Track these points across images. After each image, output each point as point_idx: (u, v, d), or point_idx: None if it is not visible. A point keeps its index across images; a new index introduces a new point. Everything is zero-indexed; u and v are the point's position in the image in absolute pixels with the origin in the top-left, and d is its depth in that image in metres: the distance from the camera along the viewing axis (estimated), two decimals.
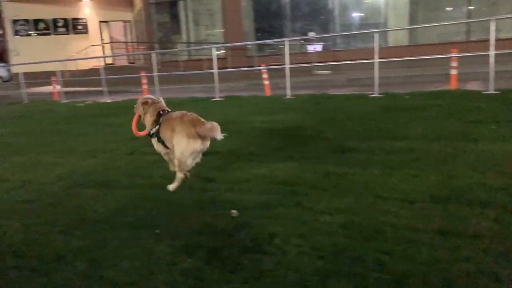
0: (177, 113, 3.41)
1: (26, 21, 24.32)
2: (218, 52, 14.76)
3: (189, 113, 3.36)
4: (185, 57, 18.14)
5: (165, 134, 3.41)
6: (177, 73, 14.40)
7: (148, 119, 3.59)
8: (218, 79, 9.95)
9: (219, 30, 18.35)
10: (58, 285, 2.23)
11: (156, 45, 19.39)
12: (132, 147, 5.20)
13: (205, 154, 3.56)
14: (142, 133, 3.75)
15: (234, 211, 2.94)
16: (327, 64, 12.77)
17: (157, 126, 3.46)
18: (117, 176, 4.06)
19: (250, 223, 2.76)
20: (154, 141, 3.59)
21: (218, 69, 10.08)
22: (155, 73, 10.60)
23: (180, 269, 2.30)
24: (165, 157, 3.69)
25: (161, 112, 3.52)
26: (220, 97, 9.71)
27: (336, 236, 2.50)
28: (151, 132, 3.54)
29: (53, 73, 13.93)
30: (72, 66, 19.31)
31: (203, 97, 10.25)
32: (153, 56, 10.97)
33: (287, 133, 5.38)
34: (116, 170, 4.26)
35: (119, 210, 3.19)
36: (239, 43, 14.27)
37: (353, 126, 5.56)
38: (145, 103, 3.65)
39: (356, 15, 16.94)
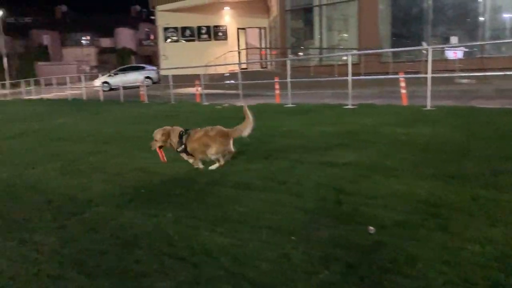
0: (200, 131, 4.67)
1: (175, 28, 27.08)
2: (346, 58, 14.56)
3: (209, 128, 4.66)
4: (316, 62, 18.28)
5: (194, 144, 4.63)
6: (312, 79, 14.54)
7: (173, 141, 4.74)
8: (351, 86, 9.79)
9: (353, 35, 18.06)
10: (206, 278, 2.43)
11: (289, 51, 19.92)
12: (266, 150, 5.43)
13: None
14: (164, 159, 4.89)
15: (371, 228, 2.87)
16: (474, 73, 11.63)
17: (183, 146, 4.64)
18: (253, 178, 4.27)
19: (389, 242, 2.67)
20: (183, 155, 4.77)
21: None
22: (289, 79, 10.87)
23: (318, 279, 2.33)
24: (190, 160, 4.81)
25: (180, 133, 4.70)
26: (353, 104, 9.53)
27: (489, 269, 2.28)
28: (178, 150, 4.71)
29: (195, 76, 15.26)
30: (211, 70, 20.92)
31: (335, 104, 10.18)
32: (288, 62, 11.29)
33: (429, 148, 5.05)
34: (252, 173, 4.49)
35: (257, 212, 3.35)
36: (378, 50, 13.81)
37: (506, 145, 4.98)
38: (164, 133, 4.79)
39: (510, 16, 15.12)
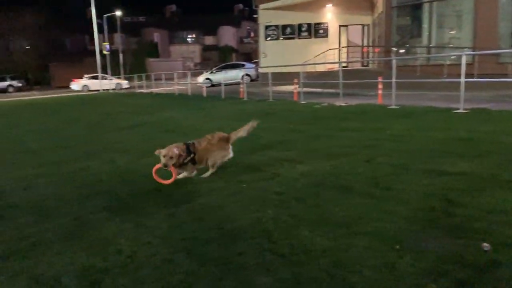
0: (204, 140, 4.75)
1: (276, 26, 27.42)
2: (455, 57, 13.51)
3: (210, 136, 4.79)
4: (423, 62, 17.23)
5: (205, 154, 4.71)
6: (420, 80, 13.71)
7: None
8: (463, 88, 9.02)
9: (466, 33, 16.69)
10: (306, 277, 2.45)
11: (393, 49, 19.07)
12: (369, 154, 5.28)
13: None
14: (167, 181, 4.45)
15: (486, 245, 2.64)
16: None
17: (192, 155, 4.54)
18: (355, 182, 4.18)
19: (507, 262, 2.44)
20: (184, 167, 4.60)
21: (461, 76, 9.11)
22: (394, 79, 10.38)
23: None
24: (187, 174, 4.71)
25: (187, 144, 4.58)
26: (465, 108, 8.79)
27: None
28: (186, 161, 4.53)
29: (294, 74, 15.31)
30: (310, 68, 20.80)
31: (442, 107, 9.50)
32: (394, 62, 10.79)
33: None
34: (353, 176, 4.39)
35: (358, 217, 3.28)
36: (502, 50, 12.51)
37: None
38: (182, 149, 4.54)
39: None
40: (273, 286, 2.38)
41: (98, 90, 33.32)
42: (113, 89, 34.45)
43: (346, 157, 5.25)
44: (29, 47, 50.82)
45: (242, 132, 4.96)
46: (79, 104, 20.06)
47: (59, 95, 31.62)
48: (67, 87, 37.14)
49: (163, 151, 4.37)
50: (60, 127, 10.95)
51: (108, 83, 35.40)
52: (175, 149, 4.40)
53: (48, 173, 5.49)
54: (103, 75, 37.24)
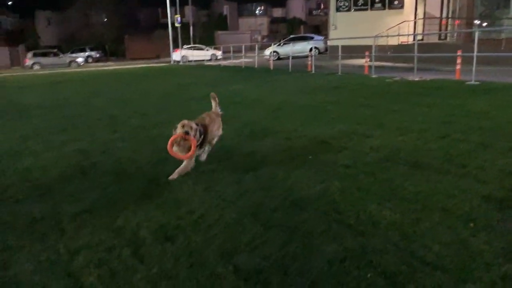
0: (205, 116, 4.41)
1: None
2: None
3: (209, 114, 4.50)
4: (509, 35, 15.78)
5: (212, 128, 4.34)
6: (507, 54, 12.61)
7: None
8: None
9: None
10: (373, 248, 2.44)
11: (475, 21, 17.63)
12: (444, 131, 5.03)
13: None
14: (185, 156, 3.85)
15: None
16: None
17: (202, 136, 3.99)
18: (428, 158, 4.03)
19: None
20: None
21: None
22: (475, 53, 9.64)
23: (499, 272, 2.14)
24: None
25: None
26: None
27: None
28: (198, 143, 3.94)
29: (364, 47, 14.74)
30: (382, 41, 19.87)
31: None
32: (476, 34, 9.99)
33: None
34: (426, 152, 4.23)
35: (430, 193, 3.18)
36: None
37: None
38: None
39: None
40: (339, 253, 2.40)
41: (201, 60, 34.08)
42: (209, 60, 35.25)
43: (419, 133, 5.05)
44: (106, 19, 53.40)
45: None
46: (152, 76, 20.91)
47: (134, 66, 33.17)
48: (140, 58, 38.45)
49: (181, 122, 3.88)
50: (136, 96, 11.52)
51: (204, 54, 36.35)
52: (193, 124, 3.91)
53: (125, 137, 5.86)
54: (199, 45, 38.32)
